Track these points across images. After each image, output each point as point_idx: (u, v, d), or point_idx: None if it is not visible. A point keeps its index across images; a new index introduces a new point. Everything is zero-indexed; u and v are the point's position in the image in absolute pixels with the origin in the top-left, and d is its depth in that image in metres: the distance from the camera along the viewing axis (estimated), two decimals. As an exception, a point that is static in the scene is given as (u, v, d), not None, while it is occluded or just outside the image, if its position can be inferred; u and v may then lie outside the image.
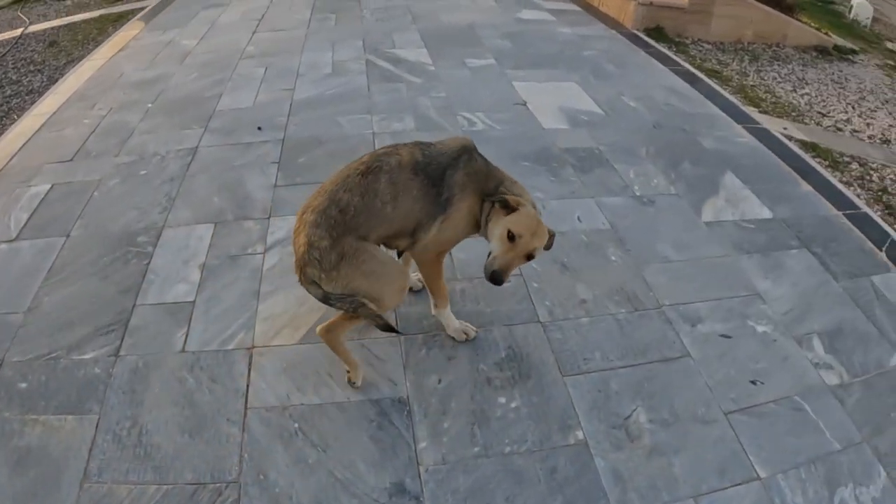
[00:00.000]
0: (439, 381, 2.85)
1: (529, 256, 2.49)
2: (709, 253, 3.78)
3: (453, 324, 3.03)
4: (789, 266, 3.69)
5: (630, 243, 3.82)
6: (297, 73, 6.18)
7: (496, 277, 2.42)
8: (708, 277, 3.56)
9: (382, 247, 2.64)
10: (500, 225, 2.49)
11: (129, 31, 7.82)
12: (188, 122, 5.14)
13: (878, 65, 8.20)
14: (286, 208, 3.92)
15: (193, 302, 3.20)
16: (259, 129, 4.98)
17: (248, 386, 2.78)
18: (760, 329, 3.21)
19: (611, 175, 4.57)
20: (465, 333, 3.04)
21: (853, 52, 8.39)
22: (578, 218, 4.01)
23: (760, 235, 3.95)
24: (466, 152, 2.66)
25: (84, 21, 8.60)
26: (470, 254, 3.44)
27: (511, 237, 2.42)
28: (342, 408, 2.70)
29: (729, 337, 3.15)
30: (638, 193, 4.36)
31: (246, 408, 2.69)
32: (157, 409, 2.66)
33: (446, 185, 2.58)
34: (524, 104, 5.60)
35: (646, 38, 7.75)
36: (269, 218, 3.88)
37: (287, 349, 2.95)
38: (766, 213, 4.20)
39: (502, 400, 2.78)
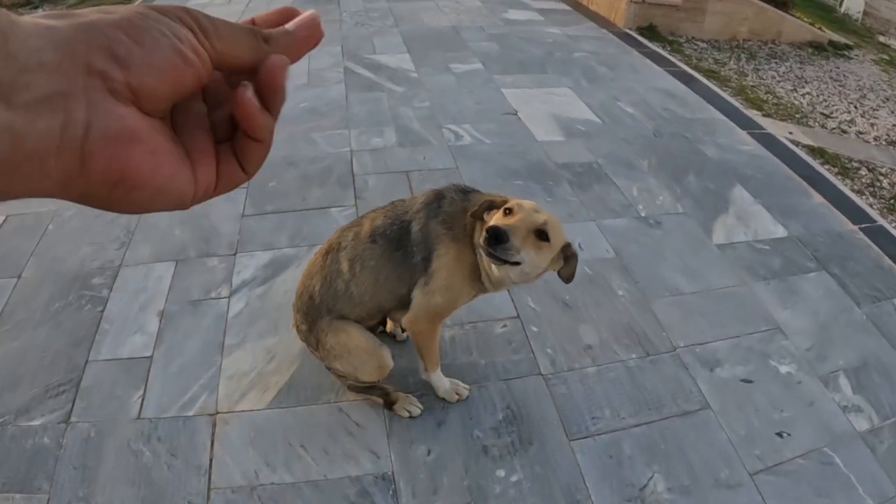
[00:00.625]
0: (428, 451, 2.50)
1: (540, 233, 2.00)
2: (723, 282, 3.49)
3: (443, 385, 2.65)
4: (808, 292, 3.43)
5: (637, 273, 3.49)
6: (271, 85, 5.70)
7: (495, 232, 1.86)
8: (724, 311, 3.27)
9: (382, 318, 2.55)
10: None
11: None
12: None
13: (873, 60, 8.14)
14: (254, 242, 3.60)
15: (151, 357, 2.86)
16: None
17: (211, 461, 2.43)
18: (783, 370, 2.93)
19: (612, 192, 4.24)
20: (457, 394, 2.68)
21: (848, 47, 8.30)
22: (580, 245, 3.66)
23: (775, 258, 3.69)
24: (434, 199, 2.29)
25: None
26: None
27: (508, 211, 2.05)
28: (318, 487, 2.35)
29: (750, 382, 2.86)
30: (643, 214, 4.02)
31: (209, 488, 2.34)
32: (112, 488, 2.33)
33: (414, 244, 2.25)
34: (515, 113, 5.32)
35: (638, 38, 7.49)
36: (235, 255, 3.52)
37: (255, 415, 2.61)
38: (780, 231, 3.94)
39: (501, 473, 2.43)
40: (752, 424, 2.64)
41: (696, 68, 6.76)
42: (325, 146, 4.67)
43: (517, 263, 1.97)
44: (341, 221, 3.71)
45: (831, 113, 6.19)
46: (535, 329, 3.08)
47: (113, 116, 0.38)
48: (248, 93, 0.44)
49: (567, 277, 2.19)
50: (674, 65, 6.69)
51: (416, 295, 2.29)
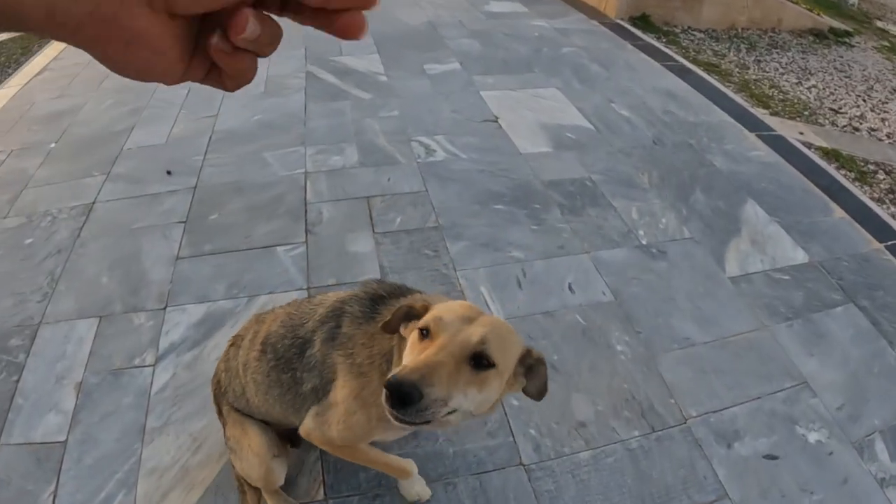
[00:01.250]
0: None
1: (478, 359, 1.28)
2: (740, 326, 2.98)
3: (411, 490, 2.16)
4: (835, 334, 2.98)
5: (640, 321, 2.96)
6: (223, 95, 5.21)
7: (393, 386, 1.18)
8: (742, 365, 2.77)
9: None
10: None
11: (51, 51, 6.77)
12: (90, 168, 4.19)
13: (875, 48, 7.95)
14: (187, 293, 3.08)
15: (65, 442, 2.43)
16: (168, 173, 4.08)
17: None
18: (812, 438, 2.47)
19: (608, 216, 3.68)
20: (418, 495, 2.16)
21: (848, 34, 8.13)
22: (570, 287, 3.13)
23: (797, 292, 3.21)
24: (332, 315, 1.71)
25: (10, 39, 7.47)
26: None
27: (423, 333, 1.35)
28: None
29: (775, 458, 2.38)
30: (644, 242, 3.49)
31: None
32: None
33: (305, 368, 1.73)
34: (495, 120, 4.71)
35: (631, 29, 6.99)
36: (164, 309, 3.02)
37: (178, 522, 2.14)
38: (801, 256, 3.46)
39: None
40: None
41: (694, 62, 6.33)
42: (277, 168, 4.11)
43: (450, 413, 1.27)
44: (288, 264, 3.21)
45: (840, 108, 5.90)
46: (515, 403, 2.54)
47: (132, 15, 0.45)
48: (212, 39, 0.49)
49: (537, 394, 1.53)
50: (671, 58, 6.21)
51: (308, 421, 1.75)
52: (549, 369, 2.47)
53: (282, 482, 2.01)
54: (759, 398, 2.61)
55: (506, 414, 2.48)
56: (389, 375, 1.20)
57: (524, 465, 2.31)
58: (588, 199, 3.82)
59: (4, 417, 2.52)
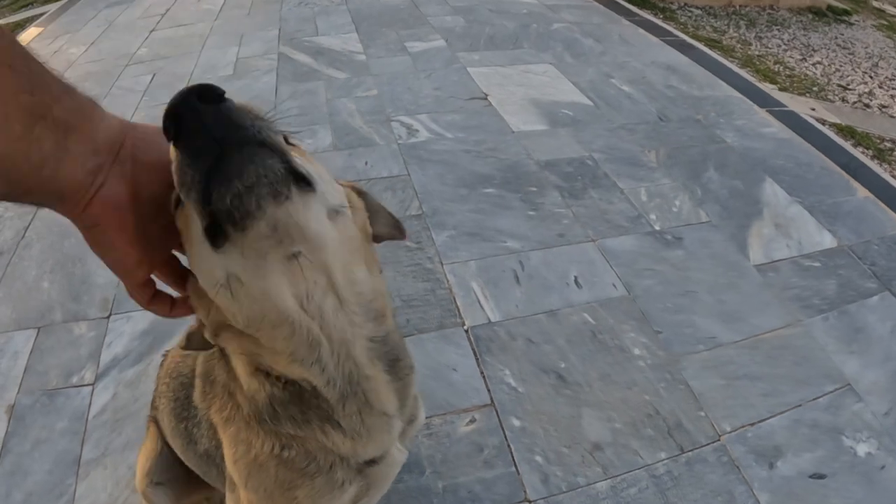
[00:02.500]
0: None
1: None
2: (770, 322, 2.59)
3: None
4: (874, 327, 2.61)
5: (658, 319, 2.57)
6: (188, 79, 4.86)
7: (174, 105, 0.65)
8: (777, 368, 2.39)
9: None
10: None
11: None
12: None
13: (874, 26, 7.85)
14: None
15: None
16: None
17: None
18: (861, 450, 2.12)
19: (614, 199, 3.29)
20: None
21: (846, 12, 8.06)
22: (576, 280, 2.74)
23: (829, 280, 2.84)
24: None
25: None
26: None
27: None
28: None
29: (823, 477, 2.02)
30: (657, 227, 3.09)
31: None
32: None
33: (194, 421, 1.27)
34: (484, 98, 4.32)
35: (626, 5, 6.68)
36: (108, 317, 2.66)
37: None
38: (828, 240, 3.09)
39: None
40: None
41: (694, 37, 6.01)
42: (239, 154, 3.67)
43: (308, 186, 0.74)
44: (246, 261, 2.75)
45: (848, 84, 5.70)
46: (517, 423, 2.13)
47: (113, 188, 0.69)
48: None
49: (393, 229, 1.12)
50: (670, 33, 5.87)
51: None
52: (555, 380, 2.13)
53: None
54: (798, 406, 2.25)
55: (506, 437, 2.08)
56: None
57: (530, 502, 1.92)
58: (589, 181, 3.43)
59: (-69, 450, 2.19)
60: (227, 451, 1.06)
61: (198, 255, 0.75)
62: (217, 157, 0.63)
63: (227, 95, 0.64)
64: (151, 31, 6.11)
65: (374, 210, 1.02)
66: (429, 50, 5.22)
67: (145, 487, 1.56)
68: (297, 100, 4.36)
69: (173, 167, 0.67)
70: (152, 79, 4.94)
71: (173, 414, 1.33)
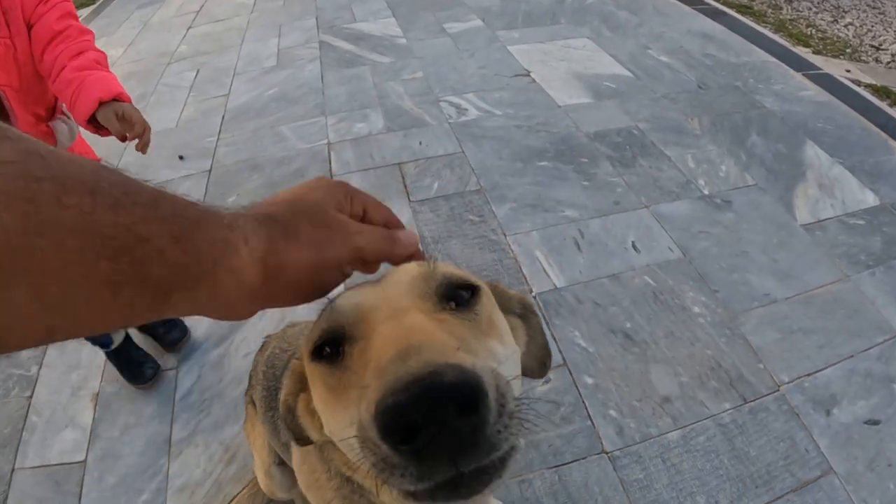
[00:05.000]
0: None
1: (447, 291, 0.67)
2: (821, 278, 2.68)
3: None
4: None
5: (715, 279, 2.66)
6: (233, 72, 4.98)
7: (400, 405, 0.49)
8: (830, 321, 2.48)
9: None
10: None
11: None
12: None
13: None
14: None
15: (84, 462, 2.18)
16: (181, 158, 3.83)
17: None
18: None
19: (663, 167, 3.37)
20: None
21: None
22: (634, 245, 2.84)
23: (874, 237, 2.91)
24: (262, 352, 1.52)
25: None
26: None
27: (321, 352, 0.68)
28: None
29: (877, 423, 2.11)
30: (706, 192, 3.18)
31: None
32: None
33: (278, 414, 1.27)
34: (527, 74, 4.40)
35: None
36: None
37: (213, 546, 1.91)
38: (871, 199, 3.14)
39: None
40: (887, 490, 1.93)
41: (725, 4, 5.96)
42: (295, 141, 3.84)
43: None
44: (318, 241, 2.88)
45: (881, 44, 5.57)
46: (590, 381, 2.25)
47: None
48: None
49: (539, 365, 0.90)
50: (702, 2, 5.84)
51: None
52: (622, 339, 2.25)
53: (283, 496, 1.73)
54: (851, 357, 2.34)
55: (580, 395, 2.20)
56: (370, 400, 0.50)
57: (607, 453, 2.03)
58: (638, 150, 3.51)
59: (18, 438, 2.31)
60: (295, 458, 1.15)
61: (340, 432, 0.63)
62: (448, 481, 0.49)
63: (484, 386, 0.48)
64: (189, 29, 6.20)
65: (531, 336, 0.86)
66: (468, 30, 5.29)
67: (269, 466, 1.68)
68: (345, 85, 4.45)
69: (363, 441, 0.51)
70: (197, 74, 5.04)
71: (264, 402, 1.42)
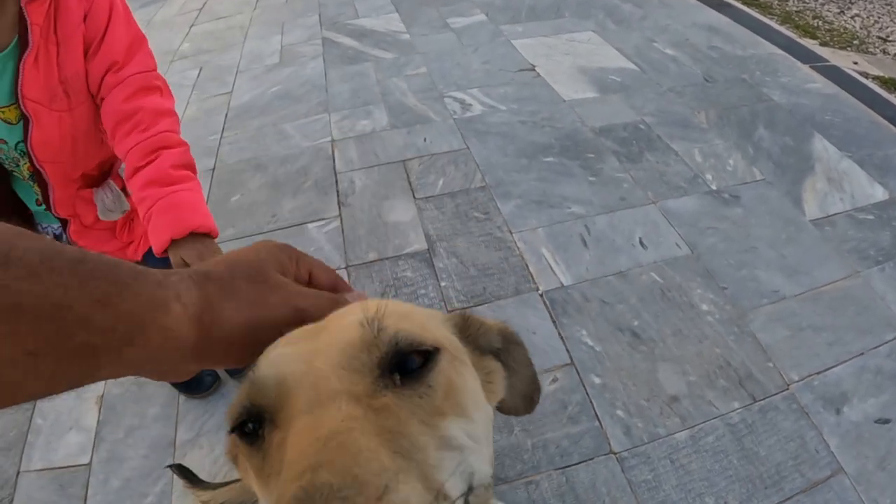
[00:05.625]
0: None
1: (397, 360, 0.52)
2: (830, 274, 2.66)
3: None
4: None
5: (723, 275, 2.64)
6: (236, 70, 4.97)
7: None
8: (839, 318, 2.46)
9: None
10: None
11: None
12: None
13: None
14: None
15: (89, 465, 2.19)
16: None
17: None
18: None
19: (670, 161, 3.35)
20: None
21: None
22: (641, 241, 2.82)
23: (884, 232, 2.88)
24: None
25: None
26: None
27: (247, 430, 0.56)
28: None
29: (888, 421, 2.09)
30: (714, 187, 3.15)
31: None
32: None
33: None
34: (532, 69, 4.37)
35: None
36: None
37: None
38: (880, 193, 3.11)
39: None
40: None
41: None
42: (299, 139, 3.83)
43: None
44: (322, 241, 2.93)
45: (888, 36, 5.52)
46: (597, 380, 2.23)
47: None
48: None
49: (525, 402, 0.77)
50: None
51: None
52: (630, 338, 2.22)
53: None
54: (861, 354, 2.32)
55: (588, 394, 2.18)
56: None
57: (615, 454, 2.02)
58: (644, 144, 3.49)
59: (23, 441, 2.31)
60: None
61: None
62: None
63: None
64: (191, 27, 6.18)
65: (516, 371, 0.73)
66: (471, 25, 5.26)
67: None
68: (348, 82, 4.43)
69: None
70: (199, 72, 5.03)
71: None
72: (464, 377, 0.58)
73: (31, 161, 1.43)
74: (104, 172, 1.66)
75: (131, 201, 1.60)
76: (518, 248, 2.80)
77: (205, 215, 1.37)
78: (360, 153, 3.59)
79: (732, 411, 2.12)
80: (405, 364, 0.52)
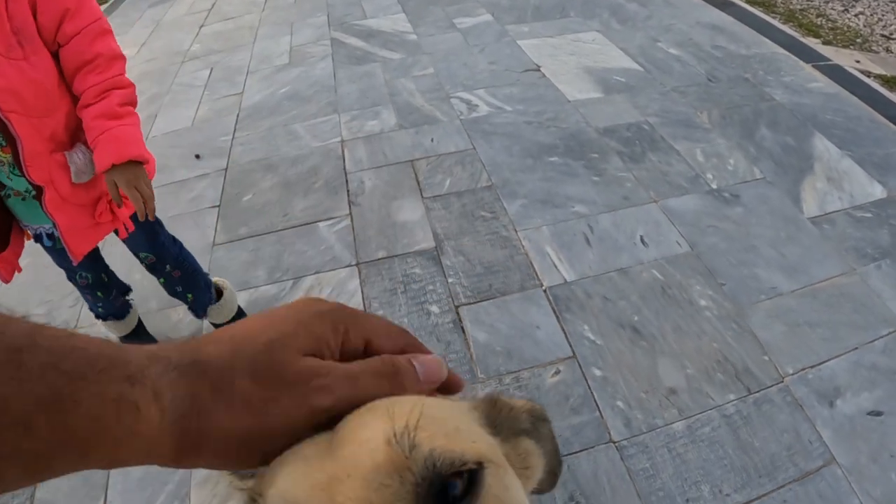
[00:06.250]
0: None
1: (441, 487, 0.40)
2: (827, 271, 2.71)
3: None
4: None
5: (722, 272, 2.71)
6: (246, 71, 5.04)
7: None
8: (835, 314, 2.51)
9: None
10: None
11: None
12: None
13: None
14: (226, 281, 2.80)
15: None
16: (197, 157, 3.89)
17: None
18: None
19: (672, 161, 3.41)
20: None
21: None
22: (642, 239, 2.88)
23: (881, 230, 2.92)
24: None
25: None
26: (494, 334, 2.42)
27: None
28: None
29: (880, 414, 2.14)
30: (714, 186, 3.21)
31: None
32: None
33: None
34: (537, 69, 4.43)
35: None
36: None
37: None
38: (879, 191, 3.15)
39: None
40: (889, 481, 1.96)
41: None
42: (309, 139, 3.90)
43: None
44: (333, 240, 3.00)
45: (892, 34, 5.51)
46: (598, 373, 2.30)
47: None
48: None
49: (551, 480, 0.67)
50: None
51: None
52: (630, 333, 2.30)
53: None
54: (856, 349, 2.37)
55: (589, 386, 2.25)
56: None
57: (615, 443, 2.09)
58: (648, 144, 3.55)
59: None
60: None
61: None
62: None
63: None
64: (201, 27, 6.24)
65: (544, 449, 0.63)
66: (478, 25, 5.31)
67: None
68: (356, 83, 4.50)
69: None
70: (210, 73, 5.10)
71: None
72: (510, 490, 0.46)
73: None
74: (73, 135, 1.79)
75: None
76: (523, 247, 2.87)
77: (140, 147, 1.72)
78: (369, 153, 3.66)
79: (728, 403, 2.18)
80: (445, 490, 0.40)
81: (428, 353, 0.53)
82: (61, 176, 1.75)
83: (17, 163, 1.62)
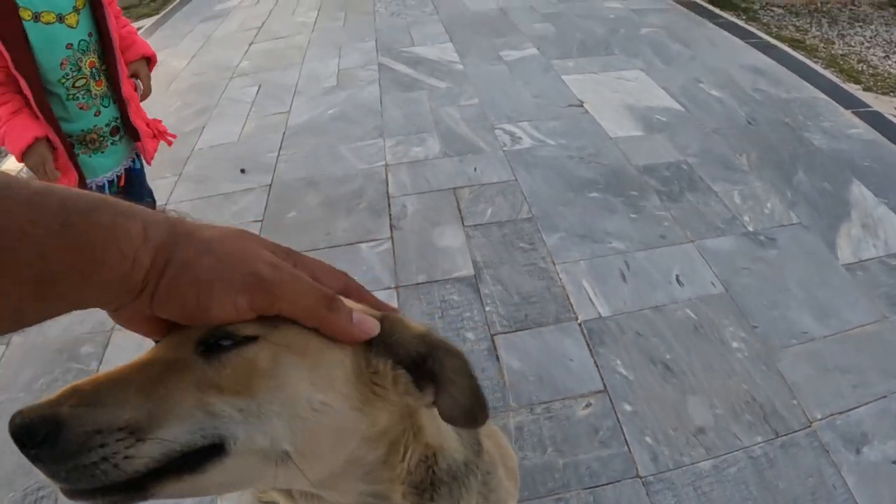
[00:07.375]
0: None
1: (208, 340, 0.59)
2: (860, 317, 2.72)
3: None
4: None
5: (755, 314, 2.73)
6: (294, 90, 5.18)
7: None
8: (865, 361, 2.52)
9: None
10: None
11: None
12: (162, 169, 3.98)
13: None
14: None
15: None
16: (242, 171, 3.99)
17: None
18: None
19: (710, 201, 3.45)
20: None
21: None
22: (678, 279, 2.92)
23: None
24: None
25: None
26: (528, 363, 2.47)
27: None
28: None
29: None
30: (751, 228, 3.24)
31: None
32: None
33: None
34: (580, 105, 4.50)
35: (708, 7, 6.68)
36: None
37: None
38: None
39: None
40: None
41: (777, 37, 6.00)
42: (354, 161, 3.99)
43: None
44: (374, 261, 3.06)
45: None
46: (628, 408, 2.34)
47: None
48: None
49: (464, 413, 0.69)
50: (754, 35, 5.90)
51: None
52: (661, 370, 2.35)
53: None
54: (884, 397, 2.37)
55: (618, 421, 2.29)
56: None
57: (641, 478, 2.12)
58: (686, 184, 3.59)
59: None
60: None
61: None
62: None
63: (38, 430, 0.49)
64: (251, 44, 6.39)
65: (453, 381, 0.68)
66: (524, 58, 5.39)
67: None
68: (402, 109, 4.60)
69: None
70: (258, 90, 5.21)
71: None
72: (281, 366, 0.58)
73: (96, 46, 2.24)
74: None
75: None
76: (560, 279, 2.92)
77: (149, 49, 2.62)
78: (413, 179, 3.73)
79: (755, 444, 2.21)
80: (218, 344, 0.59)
81: (372, 298, 0.66)
82: (134, 96, 2.49)
83: (112, 88, 2.33)
